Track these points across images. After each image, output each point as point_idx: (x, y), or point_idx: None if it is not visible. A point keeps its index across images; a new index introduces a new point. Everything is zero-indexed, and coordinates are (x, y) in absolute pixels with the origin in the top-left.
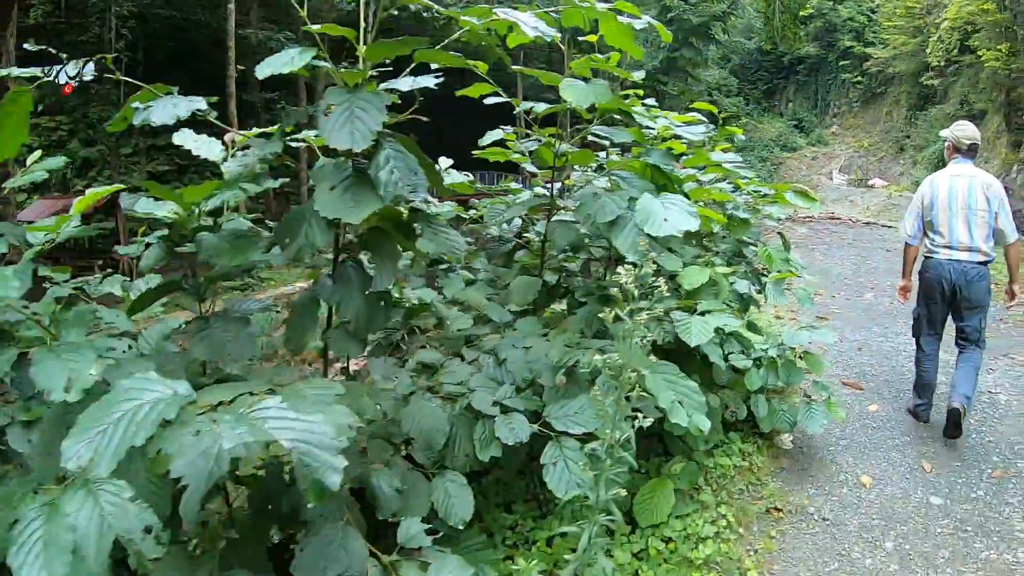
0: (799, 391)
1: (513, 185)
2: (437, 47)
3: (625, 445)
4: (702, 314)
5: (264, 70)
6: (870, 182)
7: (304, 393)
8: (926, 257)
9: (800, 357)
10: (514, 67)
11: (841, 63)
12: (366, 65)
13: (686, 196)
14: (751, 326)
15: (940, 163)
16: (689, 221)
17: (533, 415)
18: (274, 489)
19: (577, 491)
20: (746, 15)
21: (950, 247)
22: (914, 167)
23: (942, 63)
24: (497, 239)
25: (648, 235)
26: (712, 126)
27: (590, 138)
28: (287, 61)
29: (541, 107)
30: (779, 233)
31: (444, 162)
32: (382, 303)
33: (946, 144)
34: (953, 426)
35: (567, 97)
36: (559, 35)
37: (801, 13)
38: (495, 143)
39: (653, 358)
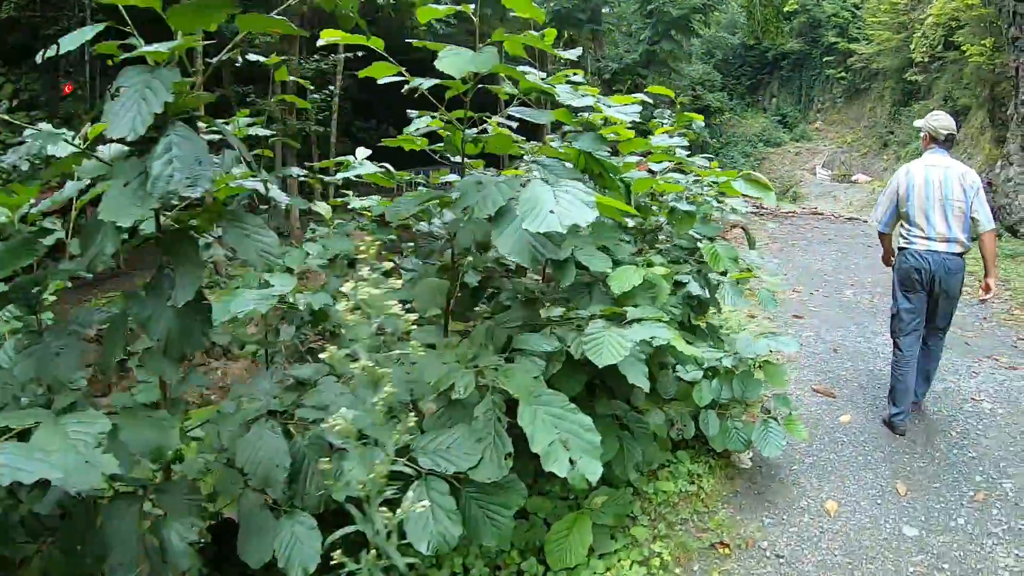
0: (760, 403)
1: (448, 178)
2: (276, 12)
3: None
4: (631, 323)
5: (58, 49)
6: (853, 177)
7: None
8: (901, 249)
9: (759, 367)
10: (412, 41)
11: (825, 59)
12: (184, 39)
13: (626, 185)
14: (704, 332)
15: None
16: (584, 213)
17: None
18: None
19: (445, 546)
20: (730, 10)
21: (928, 238)
22: (897, 162)
23: (926, 59)
24: (428, 236)
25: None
26: (670, 111)
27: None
28: (77, 37)
29: (429, 83)
30: (743, 228)
31: (361, 153)
32: (198, 318)
33: (921, 134)
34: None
35: (441, 67)
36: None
37: (785, 8)
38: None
39: (543, 384)
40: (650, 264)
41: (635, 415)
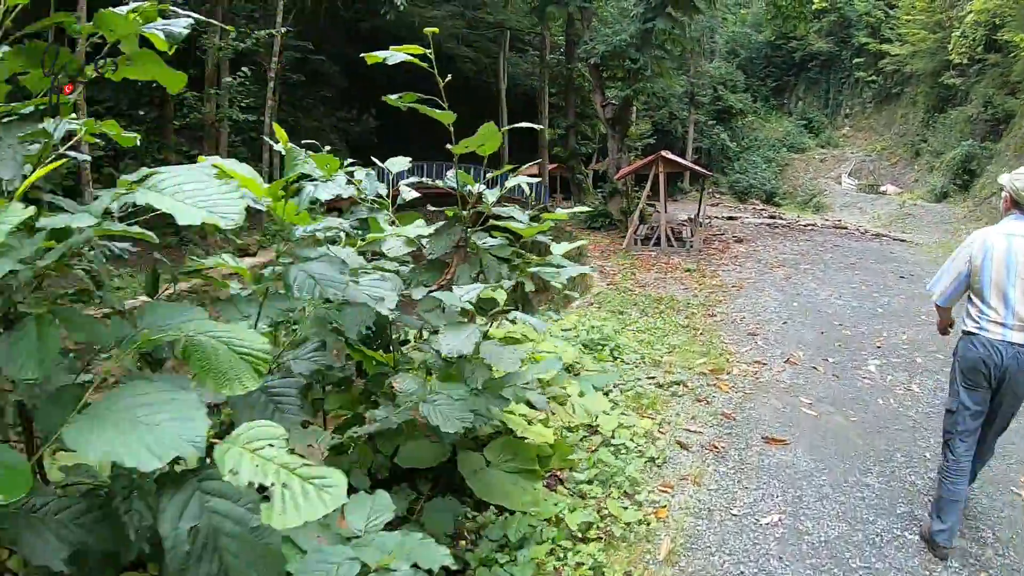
0: None
1: None
2: None
3: None
4: None
5: None
6: (881, 188)
7: None
8: (968, 334)
9: None
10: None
11: (855, 60)
12: None
13: None
14: None
15: (960, 170)
16: None
17: None
18: None
19: None
20: (754, 5)
21: (1003, 324)
22: (930, 173)
23: (965, 60)
24: None
25: None
26: None
27: None
28: None
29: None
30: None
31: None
32: None
33: (1003, 195)
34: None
35: None
36: None
37: (814, 6)
38: None
39: None
40: None
41: None
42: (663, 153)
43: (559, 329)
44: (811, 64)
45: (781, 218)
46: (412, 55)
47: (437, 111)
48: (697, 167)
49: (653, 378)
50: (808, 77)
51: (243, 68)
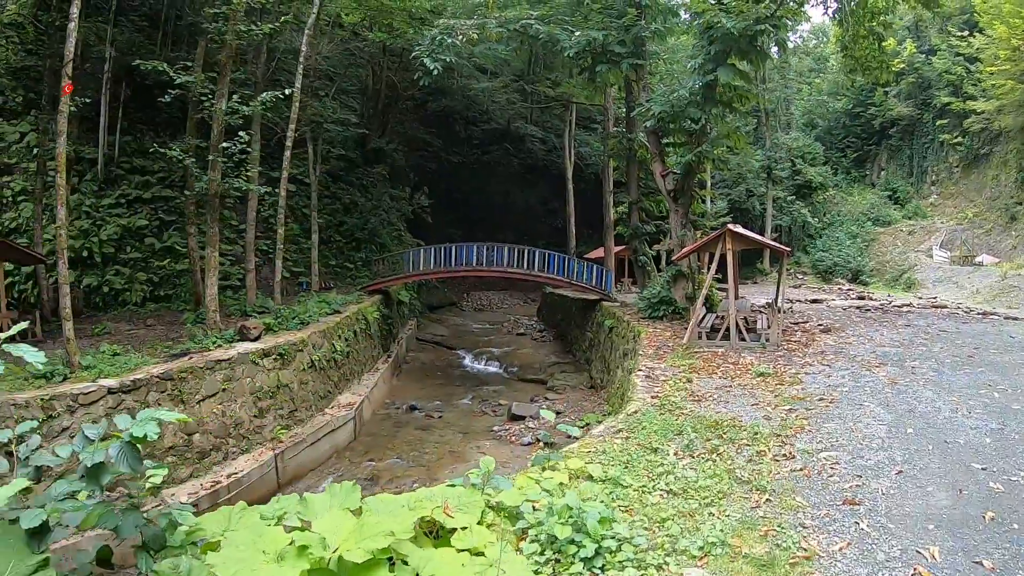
0: None
1: None
2: None
3: None
4: None
5: None
6: (977, 259)
7: None
8: None
9: None
10: None
11: (938, 123)
12: None
13: None
14: None
15: None
16: None
17: None
18: None
19: None
20: (829, 73)
21: None
22: None
23: None
24: None
25: None
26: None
27: None
28: None
29: None
30: None
31: None
32: None
33: None
34: None
35: None
36: None
37: (893, 68)
38: None
39: None
40: None
41: None
42: (731, 226)
43: (536, 489)
44: (892, 131)
45: (871, 298)
46: None
47: None
48: (773, 243)
49: None
50: (890, 145)
51: (240, 132)
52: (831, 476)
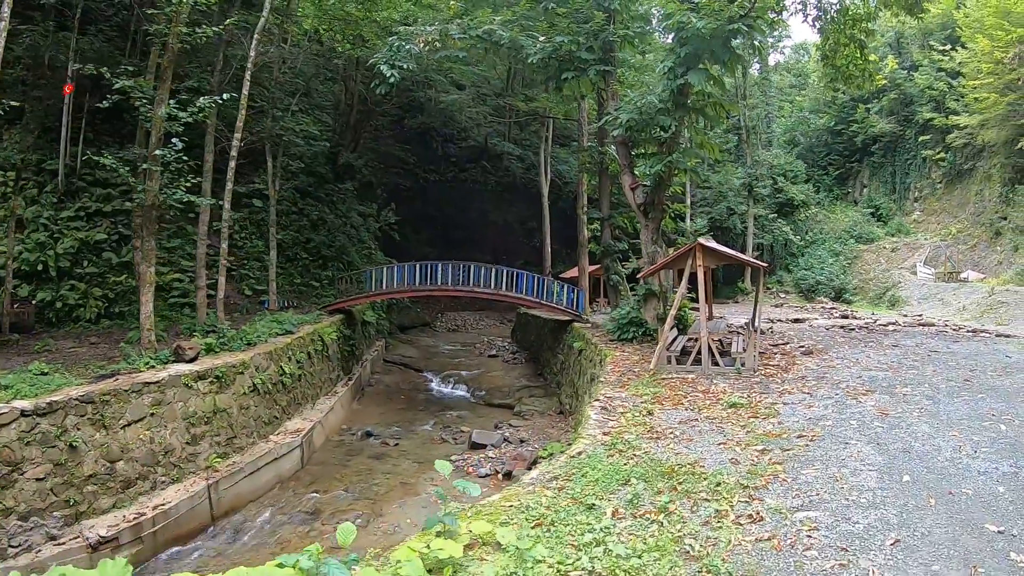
0: None
1: None
2: None
3: None
4: None
5: None
6: (962, 275)
7: None
8: None
9: None
10: None
11: (920, 139)
12: None
13: None
14: None
15: None
16: None
17: None
18: None
19: None
20: (812, 88)
21: None
22: (1015, 253)
23: None
24: None
25: None
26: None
27: None
28: None
29: None
30: None
31: None
32: None
33: None
34: None
35: None
36: None
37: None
38: None
39: None
40: None
41: None
42: (702, 240)
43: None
44: (874, 147)
45: (855, 317)
46: None
47: None
48: (748, 258)
49: None
50: (872, 162)
51: (174, 139)
52: (807, 550)
